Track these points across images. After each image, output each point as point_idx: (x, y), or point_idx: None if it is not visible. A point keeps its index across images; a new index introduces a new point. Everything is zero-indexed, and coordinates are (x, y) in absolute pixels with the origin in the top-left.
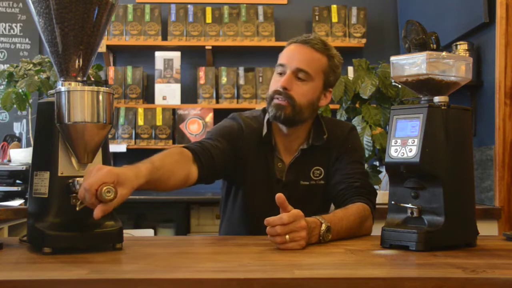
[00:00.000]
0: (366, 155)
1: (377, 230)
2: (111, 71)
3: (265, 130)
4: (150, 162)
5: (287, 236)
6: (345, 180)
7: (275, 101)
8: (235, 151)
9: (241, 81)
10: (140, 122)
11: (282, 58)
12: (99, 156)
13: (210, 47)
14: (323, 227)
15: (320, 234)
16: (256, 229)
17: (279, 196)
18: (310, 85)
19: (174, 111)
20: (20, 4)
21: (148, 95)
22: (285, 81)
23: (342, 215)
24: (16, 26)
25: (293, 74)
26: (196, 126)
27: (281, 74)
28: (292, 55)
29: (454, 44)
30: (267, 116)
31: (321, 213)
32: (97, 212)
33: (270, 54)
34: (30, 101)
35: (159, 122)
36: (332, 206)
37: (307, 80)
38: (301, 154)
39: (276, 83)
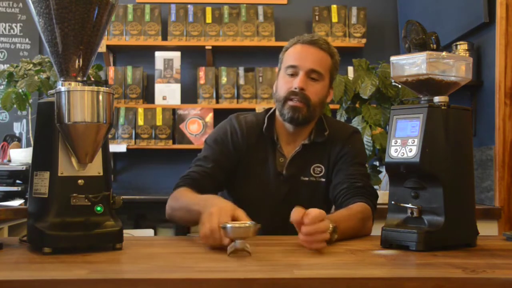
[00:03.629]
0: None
1: (377, 230)
2: (111, 71)
3: (265, 124)
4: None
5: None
6: (347, 180)
7: (290, 103)
8: (230, 156)
9: (241, 81)
10: (140, 122)
11: (292, 59)
12: (99, 156)
13: (210, 47)
14: (330, 227)
15: None
16: (257, 220)
17: (299, 211)
18: (322, 84)
19: (174, 111)
20: (20, 4)
21: (148, 95)
22: (301, 81)
23: (347, 215)
24: (16, 26)
25: (307, 75)
26: (196, 126)
27: (292, 75)
28: (303, 56)
29: (454, 44)
30: (269, 113)
31: None
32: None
33: (270, 54)
34: (30, 101)
35: (159, 122)
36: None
37: (319, 80)
38: (302, 149)
39: (287, 83)
